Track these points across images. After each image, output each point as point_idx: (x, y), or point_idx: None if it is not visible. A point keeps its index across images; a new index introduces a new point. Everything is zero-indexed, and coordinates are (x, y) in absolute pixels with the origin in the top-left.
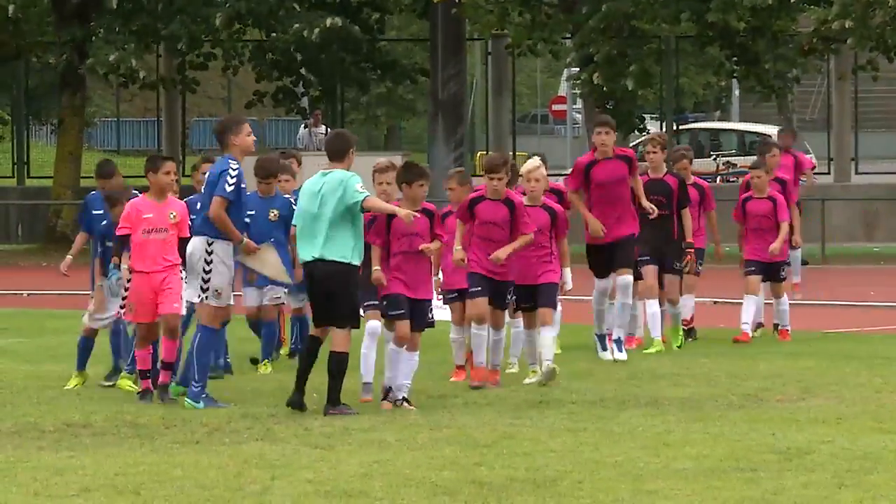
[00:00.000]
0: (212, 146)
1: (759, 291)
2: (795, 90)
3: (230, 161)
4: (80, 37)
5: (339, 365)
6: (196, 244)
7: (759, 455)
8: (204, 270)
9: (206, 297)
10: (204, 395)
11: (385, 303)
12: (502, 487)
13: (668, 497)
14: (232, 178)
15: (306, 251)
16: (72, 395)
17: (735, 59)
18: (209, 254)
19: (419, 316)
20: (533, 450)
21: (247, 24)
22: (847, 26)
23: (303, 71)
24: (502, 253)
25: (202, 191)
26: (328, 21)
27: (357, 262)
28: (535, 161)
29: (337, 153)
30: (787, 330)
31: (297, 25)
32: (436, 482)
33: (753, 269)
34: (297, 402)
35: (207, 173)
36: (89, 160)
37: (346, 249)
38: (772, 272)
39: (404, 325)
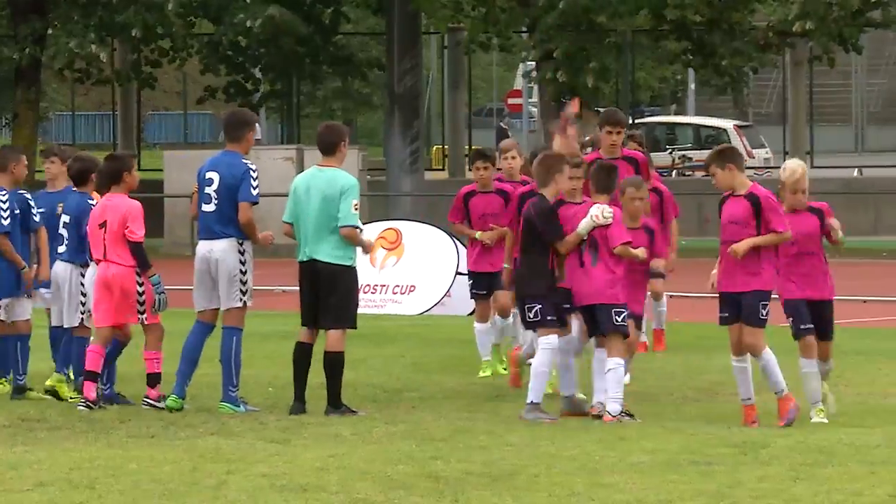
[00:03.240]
0: (167, 139)
1: None
2: (752, 83)
3: (247, 161)
4: (39, 29)
5: (335, 365)
6: (226, 247)
7: (715, 449)
8: (241, 272)
9: (247, 300)
10: (241, 399)
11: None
12: (458, 481)
13: (624, 490)
14: (256, 180)
15: (301, 251)
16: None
17: (691, 52)
18: (242, 254)
19: None
20: (489, 444)
21: (198, 16)
22: (807, 27)
23: (254, 68)
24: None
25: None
26: (269, 11)
27: (353, 262)
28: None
29: (328, 147)
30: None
31: (241, 16)
32: (391, 476)
33: None
34: (299, 411)
35: (203, 171)
36: None
37: (340, 250)
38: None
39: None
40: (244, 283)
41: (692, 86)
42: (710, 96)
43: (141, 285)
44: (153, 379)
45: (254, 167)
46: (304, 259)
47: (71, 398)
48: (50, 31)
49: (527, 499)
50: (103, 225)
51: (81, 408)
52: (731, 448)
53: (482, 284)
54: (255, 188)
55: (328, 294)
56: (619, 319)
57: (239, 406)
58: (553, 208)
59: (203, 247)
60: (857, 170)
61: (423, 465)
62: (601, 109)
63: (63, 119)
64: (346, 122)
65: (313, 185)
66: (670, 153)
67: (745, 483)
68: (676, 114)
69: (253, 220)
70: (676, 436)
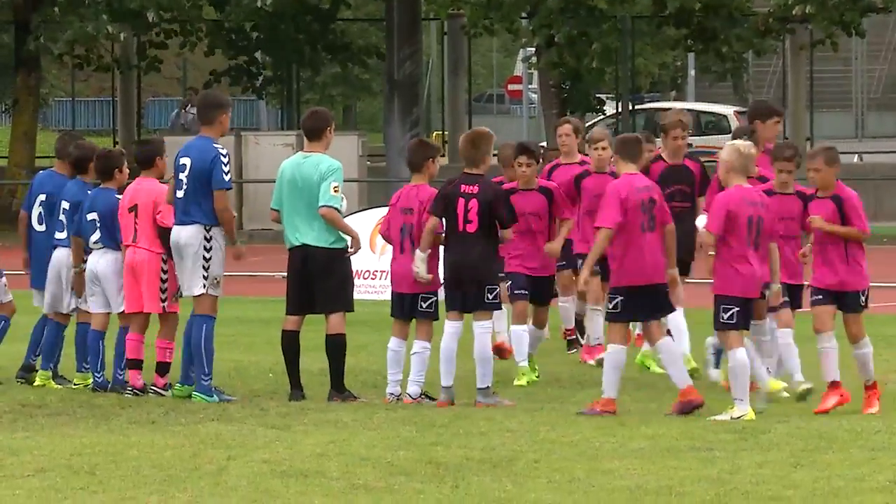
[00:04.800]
0: (166, 125)
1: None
2: (751, 69)
3: (217, 146)
4: (50, 16)
5: (337, 347)
6: (192, 233)
7: (715, 435)
8: (204, 259)
9: (208, 287)
10: (216, 388)
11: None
12: (458, 467)
13: (624, 476)
14: (227, 165)
15: (292, 237)
16: None
17: (691, 38)
18: (208, 241)
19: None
20: (489, 430)
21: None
22: (808, 10)
23: (257, 54)
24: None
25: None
26: None
27: (344, 244)
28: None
29: (313, 132)
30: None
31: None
32: (392, 462)
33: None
34: (298, 398)
35: (178, 157)
36: (44, 140)
37: (331, 234)
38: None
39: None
40: (207, 270)
41: (692, 72)
42: (709, 82)
43: (165, 272)
44: (162, 367)
45: (224, 152)
46: (296, 244)
47: (74, 384)
48: (45, 22)
49: (527, 484)
50: (133, 209)
51: (129, 396)
52: (732, 434)
53: (520, 284)
54: (226, 174)
55: (325, 278)
56: (425, 305)
57: (212, 396)
58: (509, 193)
59: (173, 232)
60: (857, 155)
61: (424, 451)
62: (601, 96)
63: (63, 105)
64: (346, 108)
65: (298, 172)
66: None
67: (745, 469)
68: (676, 100)
69: (230, 210)
70: (677, 422)
